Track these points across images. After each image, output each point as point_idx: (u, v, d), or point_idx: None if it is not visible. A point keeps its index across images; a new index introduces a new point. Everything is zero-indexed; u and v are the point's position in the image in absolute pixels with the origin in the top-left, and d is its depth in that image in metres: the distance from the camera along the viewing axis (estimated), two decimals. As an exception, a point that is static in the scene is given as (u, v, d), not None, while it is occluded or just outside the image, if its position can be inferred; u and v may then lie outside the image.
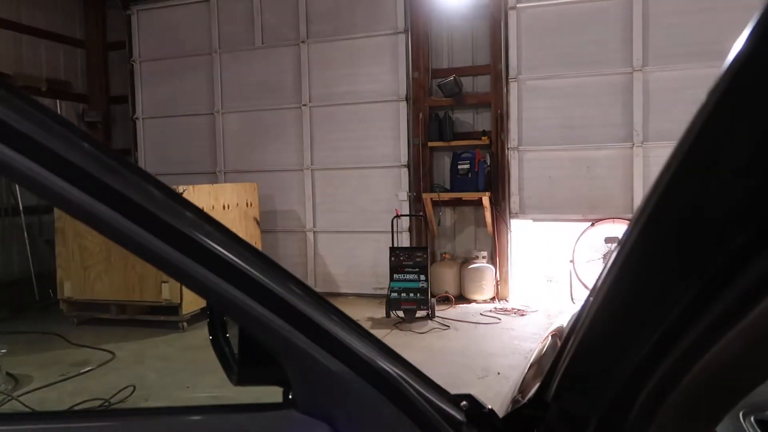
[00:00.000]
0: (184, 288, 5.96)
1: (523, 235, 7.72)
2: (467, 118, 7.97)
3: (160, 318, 6.53)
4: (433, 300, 6.78)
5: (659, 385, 0.63)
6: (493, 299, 7.54)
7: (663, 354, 0.61)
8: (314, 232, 8.43)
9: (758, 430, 0.93)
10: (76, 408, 4.22)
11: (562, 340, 0.85)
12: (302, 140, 8.41)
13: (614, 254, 0.64)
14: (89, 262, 6.62)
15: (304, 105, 8.36)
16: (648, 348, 0.62)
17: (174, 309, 6.44)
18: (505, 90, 7.58)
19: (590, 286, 0.89)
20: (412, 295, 6.63)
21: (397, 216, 7.49)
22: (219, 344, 0.97)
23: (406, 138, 7.96)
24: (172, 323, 6.47)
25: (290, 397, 0.87)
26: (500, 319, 6.76)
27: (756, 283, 0.50)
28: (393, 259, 6.76)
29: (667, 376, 0.62)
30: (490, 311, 7.10)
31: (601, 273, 0.68)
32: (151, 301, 6.48)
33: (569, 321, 0.88)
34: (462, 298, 7.61)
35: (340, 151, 8.27)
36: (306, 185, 8.43)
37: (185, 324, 6.48)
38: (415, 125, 7.90)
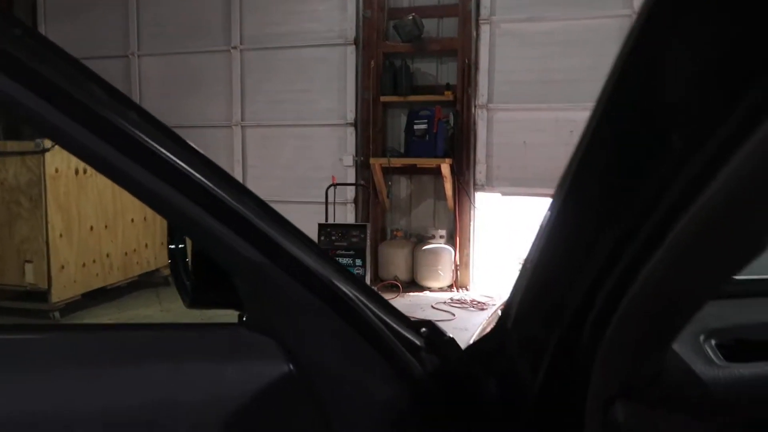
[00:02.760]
0: (54, 271, 4.68)
1: (490, 211, 6.40)
2: (429, 69, 6.56)
3: (26, 306, 5.21)
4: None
5: (607, 303, 0.66)
6: (450, 287, 6.27)
7: (607, 274, 0.64)
8: (244, 201, 7.08)
9: (718, 353, 0.90)
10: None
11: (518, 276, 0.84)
12: (231, 90, 6.98)
13: (555, 195, 0.66)
14: (-61, 233, 5.26)
15: (234, 48, 6.91)
16: (591, 274, 0.66)
17: (42, 295, 5.11)
18: (474, 34, 6.18)
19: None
20: (345, 283, 5.34)
21: (334, 185, 6.13)
22: (177, 267, 0.95)
23: (354, 90, 6.56)
24: (42, 312, 5.15)
25: (244, 318, 0.87)
26: (455, 315, 5.50)
27: (676, 203, 0.53)
28: (323, 238, 5.45)
29: (613, 294, 0.64)
30: (445, 303, 5.83)
31: (547, 213, 0.70)
32: (12, 284, 5.14)
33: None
34: (414, 285, 6.33)
35: (277, 105, 6.87)
36: (235, 145, 7.04)
37: (57, 314, 5.17)
38: (365, 75, 6.49)
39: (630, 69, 0.50)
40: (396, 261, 6.34)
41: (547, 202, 0.69)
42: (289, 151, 6.88)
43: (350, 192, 6.62)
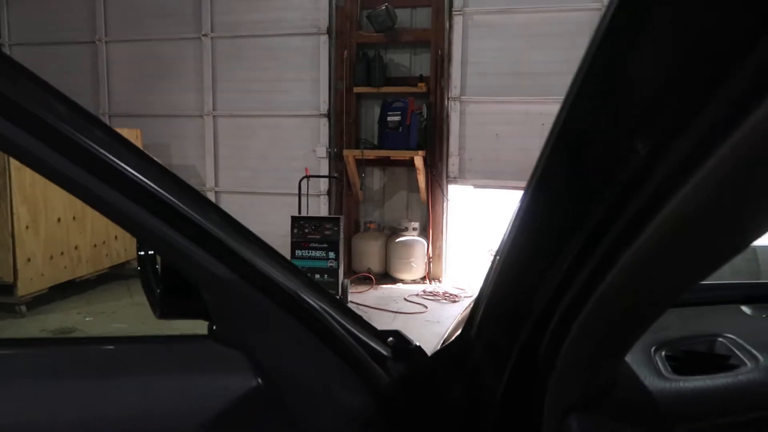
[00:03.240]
0: (20, 263, 4.57)
1: (463, 204, 6.45)
2: (403, 60, 6.54)
3: (-8, 299, 5.09)
4: (346, 282, 5.50)
5: (568, 310, 0.66)
6: (423, 279, 6.32)
7: (566, 286, 0.65)
8: (216, 191, 6.99)
9: (667, 365, 0.94)
10: None
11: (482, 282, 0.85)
12: (203, 79, 6.87)
13: (520, 201, 0.67)
14: None
15: (205, 35, 6.78)
16: (553, 282, 0.67)
17: (8, 288, 5.00)
18: (447, 26, 6.18)
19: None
20: (318, 276, 5.33)
21: (307, 176, 6.10)
22: (146, 276, 0.92)
23: (327, 81, 6.51)
24: (7, 306, 5.05)
25: (213, 328, 0.87)
26: (427, 307, 5.55)
27: (642, 208, 0.53)
28: (296, 230, 5.43)
29: (574, 300, 0.65)
30: (417, 295, 5.88)
31: (511, 219, 0.70)
32: (-23, 278, 5.02)
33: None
34: (387, 277, 6.36)
35: (249, 95, 6.78)
36: (207, 135, 6.94)
37: (23, 308, 5.06)
38: (338, 65, 6.45)
39: (597, 66, 0.49)
40: (369, 253, 6.36)
41: (518, 196, 0.68)
42: (261, 142, 6.81)
43: (323, 184, 6.60)
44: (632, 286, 0.59)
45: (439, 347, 0.96)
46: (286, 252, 6.21)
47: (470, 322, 0.86)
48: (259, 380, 0.84)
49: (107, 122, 7.07)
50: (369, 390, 0.85)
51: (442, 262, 6.38)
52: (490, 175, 6.22)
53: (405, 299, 5.77)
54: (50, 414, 0.79)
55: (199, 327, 0.91)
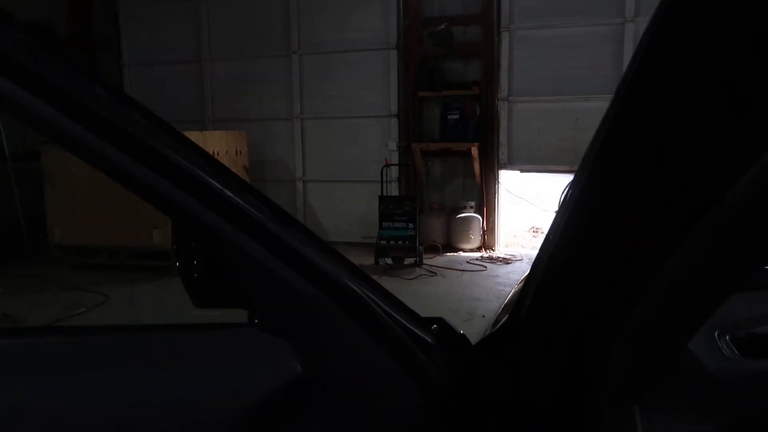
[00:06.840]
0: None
1: (511, 185, 7.82)
2: (458, 68, 7.92)
3: (152, 263, 6.60)
4: (421, 248, 6.90)
5: (623, 303, 0.65)
6: (480, 248, 7.68)
7: (624, 272, 0.63)
8: (304, 181, 8.46)
9: (733, 348, 0.93)
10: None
11: (530, 270, 0.84)
12: (291, 89, 8.34)
13: (574, 184, 0.66)
14: (79, 207, 6.62)
15: (294, 53, 8.25)
16: (610, 267, 0.64)
17: (165, 255, 6.50)
18: (496, 40, 7.54)
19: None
20: (400, 242, 6.75)
21: (387, 165, 7.53)
22: (185, 267, 0.92)
23: (396, 87, 7.93)
24: (164, 269, 6.54)
25: (254, 317, 0.86)
26: (486, 267, 6.92)
27: (695, 204, 0.54)
28: (382, 207, 6.85)
29: (630, 293, 0.64)
30: (477, 260, 7.24)
31: (561, 205, 0.70)
32: (141, 246, 6.53)
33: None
34: (450, 247, 7.74)
35: (331, 101, 8.23)
36: (296, 134, 8.41)
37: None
38: (405, 74, 7.86)
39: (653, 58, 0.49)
40: (434, 228, 7.74)
41: (560, 181, 0.85)
42: (341, 139, 8.25)
43: (394, 171, 8.01)
44: (700, 266, 0.57)
45: (487, 333, 0.94)
46: (362, 225, 7.70)
47: (518, 306, 0.83)
48: (304, 369, 0.83)
49: (212, 126, 8.59)
50: (415, 380, 0.82)
51: (495, 234, 7.74)
52: (533, 161, 7.56)
53: (467, 262, 7.14)
54: (94, 399, 0.81)
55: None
